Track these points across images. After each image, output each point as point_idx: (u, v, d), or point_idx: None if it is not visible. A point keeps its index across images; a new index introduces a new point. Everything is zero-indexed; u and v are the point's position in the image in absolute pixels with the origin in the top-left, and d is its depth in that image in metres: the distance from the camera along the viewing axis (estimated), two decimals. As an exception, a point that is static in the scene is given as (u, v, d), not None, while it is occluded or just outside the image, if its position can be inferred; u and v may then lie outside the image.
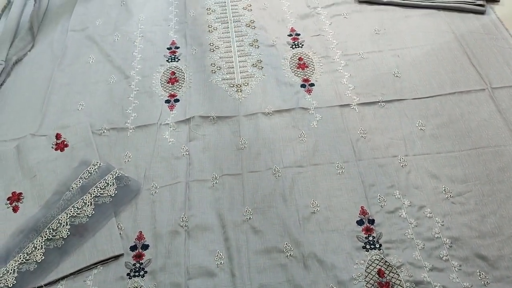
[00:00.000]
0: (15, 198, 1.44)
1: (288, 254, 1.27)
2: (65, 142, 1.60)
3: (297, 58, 1.82)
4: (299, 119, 1.61)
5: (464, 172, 1.41)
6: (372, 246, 1.27)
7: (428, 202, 1.35)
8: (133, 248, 1.33)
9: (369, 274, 1.22)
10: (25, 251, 1.28)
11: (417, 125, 1.55)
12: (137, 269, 1.28)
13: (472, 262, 1.22)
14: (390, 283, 1.20)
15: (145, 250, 1.32)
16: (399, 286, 1.19)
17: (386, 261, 1.24)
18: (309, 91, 1.69)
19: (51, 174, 1.50)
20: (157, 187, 1.46)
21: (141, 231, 1.36)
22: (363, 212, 1.35)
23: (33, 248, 1.28)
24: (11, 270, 1.24)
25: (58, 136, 1.61)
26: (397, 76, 1.70)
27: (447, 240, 1.26)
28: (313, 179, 1.44)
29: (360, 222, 1.33)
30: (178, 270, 1.26)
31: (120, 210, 1.41)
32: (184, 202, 1.41)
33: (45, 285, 1.25)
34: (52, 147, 1.59)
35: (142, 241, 1.34)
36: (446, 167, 1.43)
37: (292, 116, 1.62)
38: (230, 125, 1.62)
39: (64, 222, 1.33)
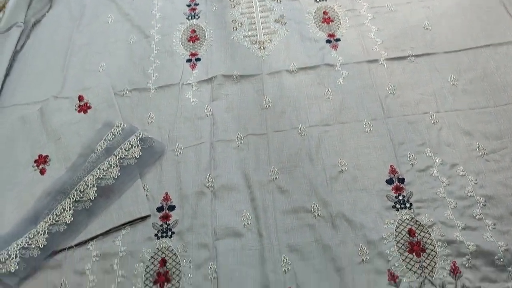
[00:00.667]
0: (41, 161, 1.45)
1: (316, 214, 1.26)
2: (87, 104, 1.58)
3: (322, 12, 1.74)
4: (324, 76, 1.55)
5: (499, 128, 1.35)
6: (403, 206, 1.24)
7: (461, 160, 1.30)
8: (159, 209, 1.32)
9: (400, 234, 1.19)
10: (54, 213, 1.29)
11: (448, 80, 1.48)
12: (164, 230, 1.28)
13: (507, 221, 1.18)
14: (421, 242, 1.17)
15: (171, 211, 1.32)
16: (430, 246, 1.16)
17: (417, 221, 1.21)
18: (334, 47, 1.62)
19: (75, 137, 1.50)
20: (181, 148, 1.44)
21: (167, 192, 1.35)
22: (393, 170, 1.31)
23: (62, 210, 1.29)
24: (42, 231, 1.26)
25: (80, 98, 1.60)
26: (427, 28, 1.62)
27: (481, 199, 1.22)
28: (340, 137, 1.40)
29: (389, 181, 1.29)
30: (205, 231, 1.26)
31: (145, 171, 1.40)
32: (209, 163, 1.39)
33: (75, 245, 1.26)
34: (75, 109, 1.58)
35: (169, 202, 1.33)
36: (479, 123, 1.37)
37: (317, 73, 1.56)
38: (254, 83, 1.57)
39: (90, 184, 1.33)
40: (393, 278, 1.12)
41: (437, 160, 1.31)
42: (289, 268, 1.17)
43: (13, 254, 1.21)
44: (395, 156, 1.34)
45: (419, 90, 1.47)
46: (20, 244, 1.23)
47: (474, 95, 1.44)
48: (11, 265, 1.20)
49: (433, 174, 1.29)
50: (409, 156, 1.33)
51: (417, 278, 1.11)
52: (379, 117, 1.43)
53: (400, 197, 1.26)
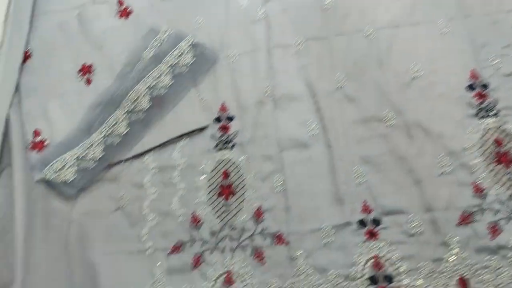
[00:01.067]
0: (86, 70, 1.35)
1: (389, 124, 1.16)
2: (128, 9, 1.45)
3: None
4: (392, -30, 1.37)
5: None
6: (487, 114, 1.13)
7: (553, 62, 1.17)
8: (217, 120, 1.24)
9: (485, 144, 1.09)
10: (107, 124, 1.22)
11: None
12: (224, 142, 1.20)
13: None
14: (510, 152, 1.07)
15: (230, 121, 1.23)
16: (520, 156, 1.06)
17: (504, 129, 1.10)
18: None
19: (120, 44, 1.39)
20: (235, 54, 1.32)
21: (224, 102, 1.26)
22: (474, 76, 1.18)
23: (115, 121, 1.22)
24: (97, 142, 1.19)
25: (120, 2, 1.46)
26: None
27: None
28: (413, 40, 1.26)
29: (470, 87, 1.17)
30: (268, 142, 1.18)
31: (199, 80, 1.30)
32: (267, 70, 1.28)
33: (132, 157, 1.20)
34: (116, 15, 1.45)
35: (226, 112, 1.25)
36: None
37: (384, -32, 1.38)
38: (312, -18, 1.41)
39: (142, 93, 1.24)
40: (478, 190, 1.03)
41: (525, 63, 1.17)
42: (363, 181, 1.09)
43: (69, 163, 1.16)
44: (476, 60, 1.20)
45: (503, -15, 1.29)
46: (75, 154, 1.17)
47: None
48: (67, 174, 1.15)
49: (522, 79, 1.16)
50: (493, 60, 1.19)
51: (506, 190, 1.02)
52: (457, 16, 1.27)
53: (484, 105, 1.14)
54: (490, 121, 1.12)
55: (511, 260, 0.95)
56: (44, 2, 1.51)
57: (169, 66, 1.29)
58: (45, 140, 1.24)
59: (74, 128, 1.25)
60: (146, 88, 1.26)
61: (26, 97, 1.32)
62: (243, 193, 1.13)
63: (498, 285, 0.92)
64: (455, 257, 0.97)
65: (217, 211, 1.11)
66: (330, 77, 1.25)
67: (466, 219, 1.01)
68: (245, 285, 1.01)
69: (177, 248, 1.08)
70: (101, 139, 1.21)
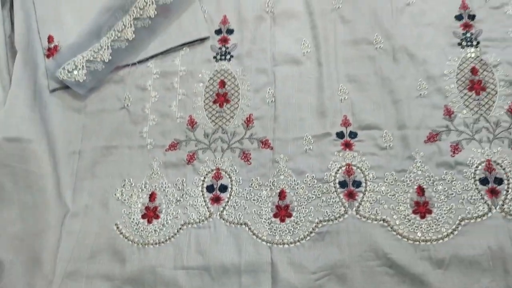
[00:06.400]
0: (97, -25, 1.40)
1: (378, 46, 1.24)
2: None
3: None
4: None
5: None
6: (469, 43, 1.20)
7: (541, -3, 1.22)
8: (218, 32, 1.32)
9: (462, 71, 1.18)
10: (115, 29, 1.29)
11: None
12: (223, 53, 1.29)
13: None
14: (483, 81, 1.16)
15: (230, 34, 1.31)
16: (491, 85, 1.15)
17: (481, 59, 1.18)
18: None
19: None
20: (240, -31, 1.37)
21: (225, 15, 1.33)
22: (464, 6, 1.24)
23: (123, 26, 1.29)
24: (106, 46, 1.28)
25: None
26: None
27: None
28: (411, -33, 1.30)
29: (459, 17, 1.24)
30: (264, 56, 1.27)
31: (203, -8, 1.36)
32: (269, -13, 1.34)
33: (137, 62, 1.30)
34: None
35: (227, 25, 1.32)
36: None
37: None
38: None
39: (150, 1, 1.30)
40: (448, 113, 1.14)
41: (514, -3, 1.23)
42: (346, 97, 1.20)
43: (80, 65, 1.26)
44: (469, -10, 1.25)
45: None
46: (86, 57, 1.26)
47: None
48: (78, 75, 1.25)
49: (508, 12, 1.22)
50: (484, -9, 1.25)
51: (472, 115, 1.13)
52: None
53: (468, 34, 1.21)
54: (470, 51, 1.19)
55: (465, 175, 1.07)
56: None
57: (174, -23, 1.34)
58: (58, 45, 1.32)
59: (85, 32, 1.32)
60: (153, -4, 1.32)
61: (40, 2, 1.38)
62: (237, 102, 1.23)
63: (450, 194, 1.06)
64: (417, 170, 1.09)
65: (211, 116, 1.23)
66: (329, -2, 1.31)
67: (433, 137, 1.12)
68: (231, 181, 1.15)
69: (173, 145, 1.20)
70: (109, 43, 1.29)
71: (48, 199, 1.14)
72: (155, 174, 1.18)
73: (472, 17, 1.23)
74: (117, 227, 1.13)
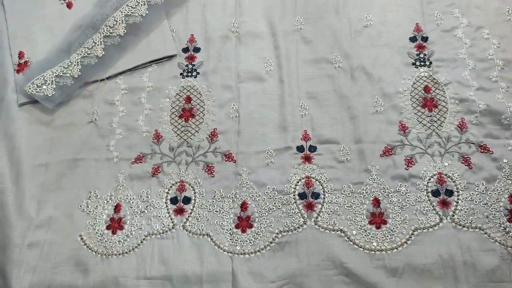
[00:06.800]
0: (68, -6, 1.45)
1: (337, 66, 1.30)
2: None
3: None
4: None
5: (534, -6, 1.33)
6: (422, 63, 1.28)
7: (488, 22, 1.30)
8: (185, 50, 1.37)
9: (415, 90, 1.24)
10: (85, 46, 1.33)
11: None
12: (189, 70, 1.34)
13: (520, 84, 1.22)
14: (435, 98, 1.23)
15: (197, 52, 1.36)
16: (443, 102, 1.22)
17: (434, 78, 1.25)
18: None
19: (101, -28, 1.48)
20: (207, -9, 1.43)
21: (192, 34, 1.39)
22: (418, 29, 1.32)
23: (93, 44, 1.33)
24: (75, 62, 1.31)
25: None
26: None
27: (500, 62, 1.25)
28: (369, -9, 1.38)
29: (413, 39, 1.31)
30: (229, 74, 1.32)
31: (172, 12, 1.42)
32: (235, 8, 1.40)
33: (106, 78, 1.33)
34: None
35: (194, 43, 1.37)
36: (513, -13, 1.34)
37: None
38: None
39: (119, 20, 1.35)
40: (403, 128, 1.20)
41: (463, 21, 1.31)
42: (306, 113, 1.25)
43: (49, 80, 1.28)
44: (422, 14, 1.34)
45: None
46: (55, 72, 1.30)
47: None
48: (47, 90, 1.28)
49: (457, 35, 1.30)
50: (436, 16, 1.33)
51: (425, 131, 1.19)
52: (411, -27, 1.39)
53: (421, 55, 1.29)
54: (424, 70, 1.27)
55: (418, 187, 1.12)
56: None
57: (146, -3, 1.39)
58: (28, 61, 1.36)
59: (55, 49, 1.36)
60: (123, 15, 1.37)
61: (12, 19, 1.42)
62: (202, 116, 1.28)
63: (404, 206, 1.11)
64: (373, 182, 1.14)
65: (177, 130, 1.26)
66: (291, 20, 1.38)
67: (388, 151, 1.18)
68: (195, 193, 1.18)
69: (139, 158, 1.23)
70: (79, 59, 1.33)
71: (8, 214, 1.15)
72: (120, 186, 1.20)
73: (425, 39, 1.30)
74: (81, 238, 1.14)
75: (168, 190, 1.19)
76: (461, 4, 1.33)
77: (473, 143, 1.16)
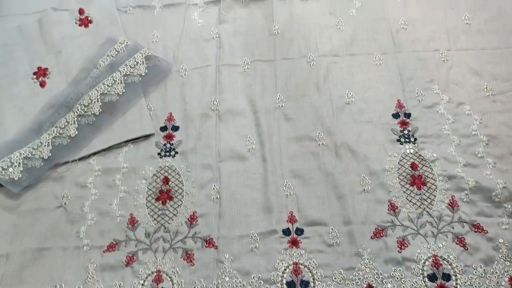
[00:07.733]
0: (41, 73, 1.41)
1: (320, 143, 1.26)
2: (88, 18, 1.53)
3: None
4: (337, 5, 1.52)
5: (508, 70, 1.35)
6: (407, 140, 1.25)
7: (468, 99, 1.31)
8: (163, 128, 1.32)
9: (402, 167, 1.21)
10: (58, 125, 1.27)
11: (463, 18, 1.46)
12: (167, 149, 1.28)
13: (507, 160, 1.20)
14: (423, 176, 1.19)
15: (175, 131, 1.31)
16: (431, 180, 1.18)
17: (420, 155, 1.22)
18: (349, -24, 1.56)
19: (77, 51, 1.46)
20: (186, 69, 1.41)
21: (171, 113, 1.34)
22: (400, 105, 1.31)
23: (66, 123, 1.27)
24: (46, 143, 1.24)
25: (81, 11, 1.54)
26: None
27: (484, 138, 1.24)
28: (349, 69, 1.39)
29: (395, 115, 1.30)
30: (209, 152, 1.26)
31: (150, 90, 1.38)
32: (215, 86, 1.38)
33: (78, 159, 1.26)
34: (76, 23, 1.53)
35: (172, 122, 1.33)
36: (489, 64, 1.37)
37: (330, 2, 1.53)
38: (263, 8, 1.53)
39: (95, 99, 1.30)
40: (393, 208, 1.15)
41: (444, 98, 1.31)
42: (291, 193, 1.19)
43: (16, 163, 1.20)
44: (403, 91, 1.33)
45: (432, 27, 1.45)
46: (23, 154, 1.22)
47: (487, 35, 1.42)
48: (14, 173, 1.19)
49: (440, 111, 1.29)
50: (417, 92, 1.33)
51: (416, 210, 1.14)
52: (390, 51, 1.41)
53: (405, 131, 1.27)
54: (409, 147, 1.24)
55: (413, 271, 1.05)
56: (5, 5, 1.56)
57: (122, 75, 1.36)
58: (-4, 140, 1.28)
59: (25, 129, 1.29)
60: (99, 94, 1.33)
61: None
62: (181, 199, 1.20)
63: (400, 293, 1.03)
64: (365, 267, 1.07)
65: (153, 214, 1.18)
66: (272, 97, 1.35)
67: (379, 233, 1.11)
68: (172, 284, 1.07)
69: (112, 246, 1.13)
70: (50, 140, 1.26)
71: None
72: (90, 278, 1.09)
73: (408, 115, 1.29)
74: None
75: (144, 281, 1.08)
76: (440, 81, 1.34)
77: (466, 222, 1.11)
